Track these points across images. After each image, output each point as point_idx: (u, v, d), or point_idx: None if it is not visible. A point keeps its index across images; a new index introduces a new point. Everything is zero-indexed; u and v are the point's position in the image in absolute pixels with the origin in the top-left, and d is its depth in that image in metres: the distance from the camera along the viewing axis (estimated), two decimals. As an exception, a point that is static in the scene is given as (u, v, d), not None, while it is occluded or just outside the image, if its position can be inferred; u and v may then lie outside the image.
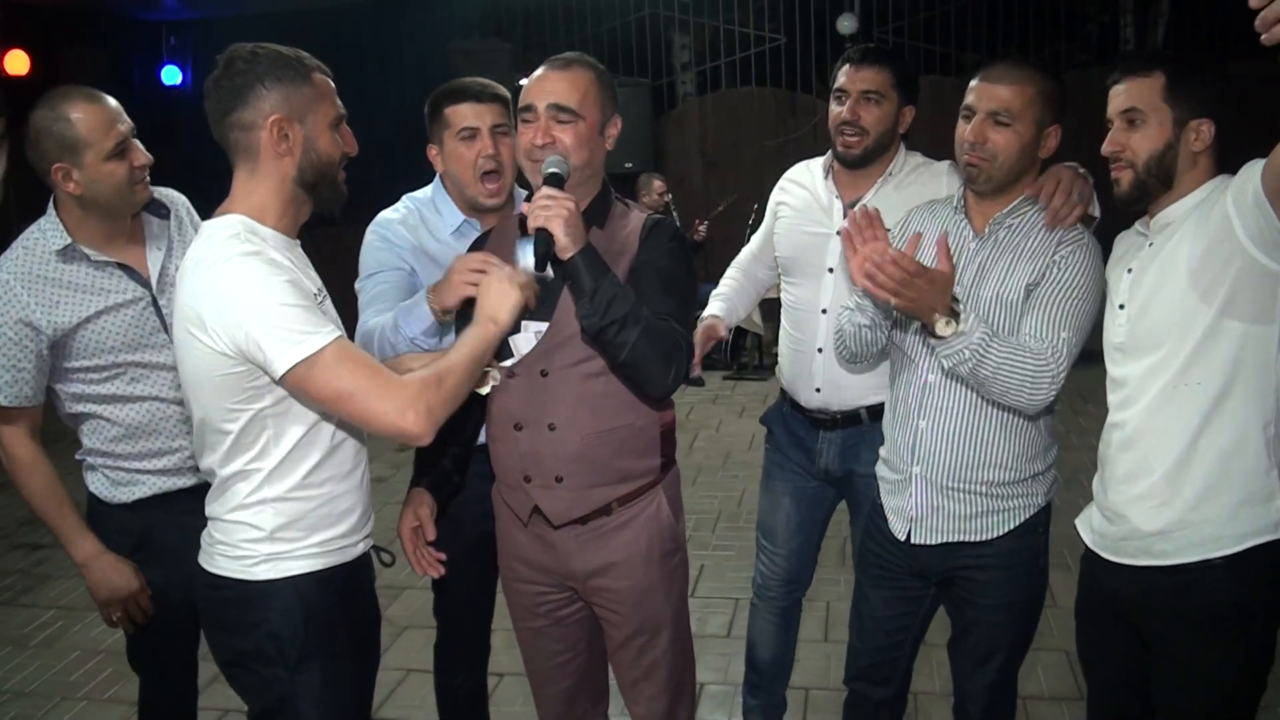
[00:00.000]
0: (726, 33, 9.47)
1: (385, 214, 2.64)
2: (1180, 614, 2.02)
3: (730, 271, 3.14)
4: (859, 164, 2.69)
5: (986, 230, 2.26)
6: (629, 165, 8.18)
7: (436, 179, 2.65)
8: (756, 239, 3.08)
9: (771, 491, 2.98)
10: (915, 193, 2.63)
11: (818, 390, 2.78)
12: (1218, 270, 1.91)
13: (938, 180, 2.69)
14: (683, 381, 2.12)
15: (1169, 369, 1.98)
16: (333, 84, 1.92)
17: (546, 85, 2.10)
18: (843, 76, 2.68)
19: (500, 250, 2.23)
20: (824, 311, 2.74)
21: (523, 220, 2.04)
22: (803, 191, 2.86)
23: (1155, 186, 2.01)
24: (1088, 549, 2.21)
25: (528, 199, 2.04)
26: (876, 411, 2.67)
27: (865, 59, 2.66)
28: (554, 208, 1.98)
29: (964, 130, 2.21)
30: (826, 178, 2.80)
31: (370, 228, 2.61)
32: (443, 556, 2.28)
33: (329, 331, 1.75)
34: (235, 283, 1.73)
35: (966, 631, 2.39)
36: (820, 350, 2.75)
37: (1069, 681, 3.47)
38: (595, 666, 2.45)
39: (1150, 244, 2.05)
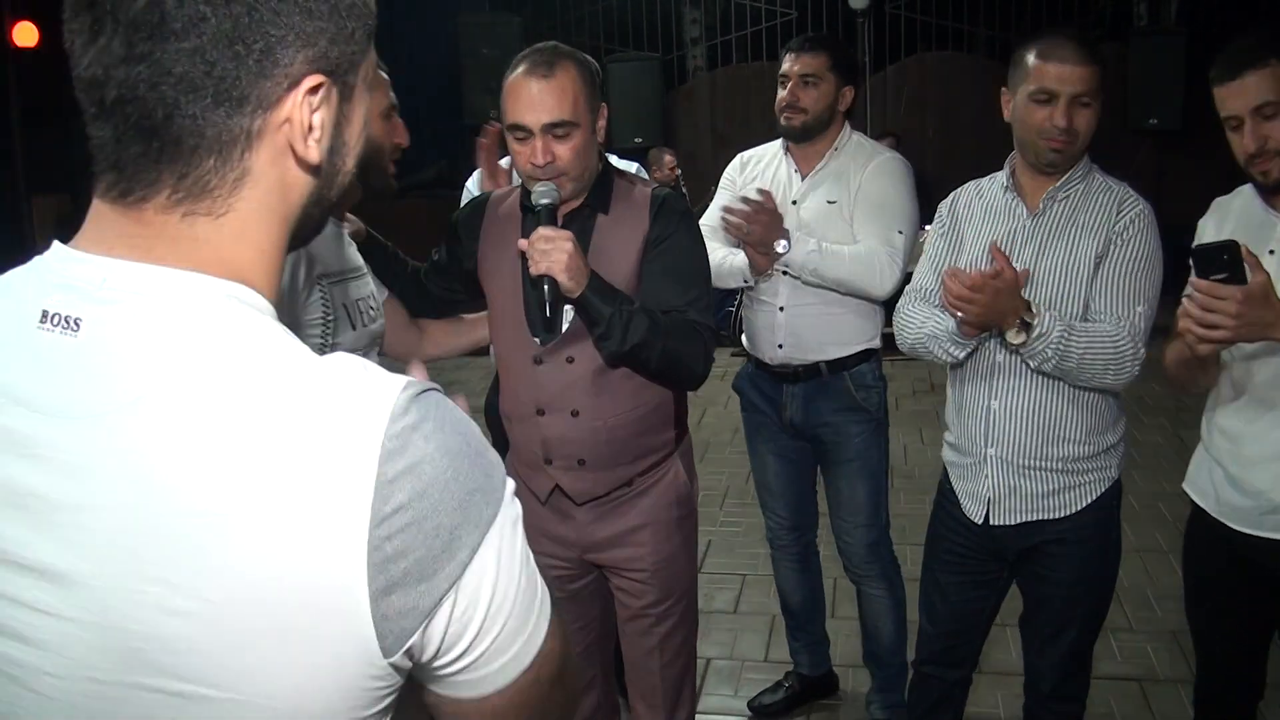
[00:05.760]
0: (737, 7, 9.41)
1: None
2: None
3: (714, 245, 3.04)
4: (802, 138, 2.97)
5: (1041, 206, 2.27)
6: (638, 140, 8.12)
7: None
8: (715, 216, 3.05)
9: (757, 452, 3.21)
10: (858, 161, 2.94)
11: (780, 346, 2.99)
12: None
13: (876, 156, 2.96)
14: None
15: None
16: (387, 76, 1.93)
17: (536, 102, 2.04)
18: (785, 63, 2.95)
19: (500, 213, 2.27)
20: (785, 273, 2.92)
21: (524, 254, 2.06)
22: (762, 166, 3.10)
23: None
24: (1208, 520, 2.18)
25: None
26: (834, 365, 2.97)
27: (804, 47, 2.95)
28: (553, 253, 1.97)
29: (1047, 115, 2.17)
30: (786, 155, 3.06)
31: None
32: None
33: None
34: None
35: (1039, 607, 2.40)
36: (782, 309, 2.96)
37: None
38: (605, 641, 2.47)
39: None
